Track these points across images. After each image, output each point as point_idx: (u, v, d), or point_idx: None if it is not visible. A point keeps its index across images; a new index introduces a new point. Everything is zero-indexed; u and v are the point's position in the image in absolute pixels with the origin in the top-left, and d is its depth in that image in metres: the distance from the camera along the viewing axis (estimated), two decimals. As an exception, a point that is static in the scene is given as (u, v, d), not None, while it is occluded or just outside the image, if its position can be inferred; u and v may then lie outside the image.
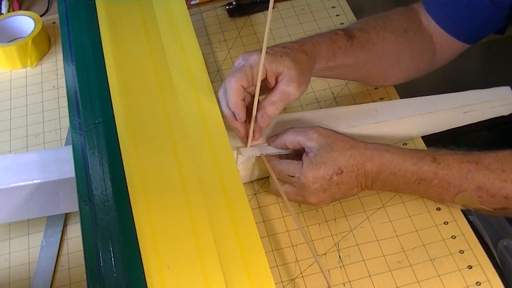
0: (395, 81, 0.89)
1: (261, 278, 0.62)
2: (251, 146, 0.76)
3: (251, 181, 0.81)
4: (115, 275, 0.61)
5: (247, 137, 0.76)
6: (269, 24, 0.68)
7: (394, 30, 0.85)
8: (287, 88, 0.73)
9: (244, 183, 0.73)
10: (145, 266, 0.62)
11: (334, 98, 0.90)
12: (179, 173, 0.70)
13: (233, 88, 0.72)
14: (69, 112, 0.79)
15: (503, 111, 0.84)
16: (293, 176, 0.73)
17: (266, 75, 0.73)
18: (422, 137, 0.84)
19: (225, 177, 0.70)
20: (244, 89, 0.73)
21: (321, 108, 0.89)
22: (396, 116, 0.81)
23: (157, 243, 0.64)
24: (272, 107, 0.73)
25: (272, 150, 0.76)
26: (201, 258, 0.63)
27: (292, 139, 0.75)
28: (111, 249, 0.63)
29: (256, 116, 0.74)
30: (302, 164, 0.72)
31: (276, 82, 0.74)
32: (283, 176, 0.74)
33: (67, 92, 0.81)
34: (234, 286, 0.61)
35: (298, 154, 0.75)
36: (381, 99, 0.89)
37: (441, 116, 0.82)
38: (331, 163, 0.71)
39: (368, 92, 0.90)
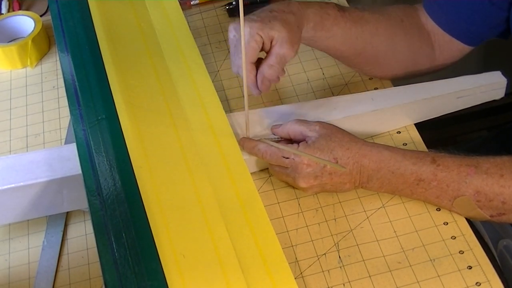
0: (393, 71, 0.89)
1: (276, 262, 0.64)
2: (252, 137, 0.78)
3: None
4: (132, 267, 0.62)
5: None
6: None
7: (390, 17, 0.86)
8: (281, 51, 0.74)
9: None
10: (161, 257, 0.63)
11: (334, 98, 0.90)
12: (186, 164, 0.72)
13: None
14: (69, 105, 0.79)
15: (495, 95, 0.85)
16: (287, 158, 0.73)
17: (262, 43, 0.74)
18: (422, 137, 0.84)
19: (231, 165, 0.72)
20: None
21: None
22: (392, 103, 0.82)
23: (171, 233, 0.65)
24: (270, 70, 0.74)
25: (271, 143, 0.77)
26: (215, 246, 0.64)
27: (295, 129, 0.76)
28: (125, 241, 0.64)
29: (256, 82, 0.75)
30: (298, 146, 0.73)
31: (271, 46, 0.75)
32: (277, 157, 0.75)
33: (65, 83, 0.82)
34: (251, 272, 0.62)
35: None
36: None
37: (436, 102, 0.83)
38: (327, 151, 0.72)
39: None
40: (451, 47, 0.88)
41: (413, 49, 0.87)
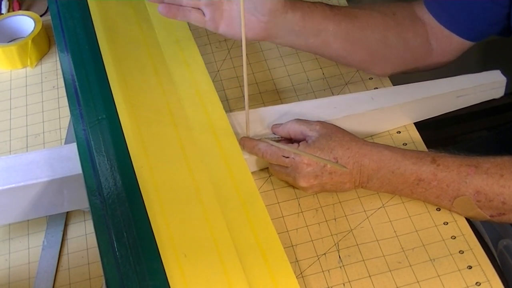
0: (390, 65, 0.88)
1: (277, 261, 0.64)
2: (253, 137, 0.78)
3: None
4: (133, 266, 0.62)
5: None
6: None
7: (381, 11, 0.85)
8: None
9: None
10: (162, 256, 0.63)
11: (334, 98, 0.90)
12: (186, 164, 0.72)
13: None
14: (69, 105, 0.79)
15: (495, 94, 0.86)
16: (287, 157, 0.73)
17: None
18: (422, 136, 0.84)
19: (232, 165, 0.72)
20: None
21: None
22: (392, 102, 0.82)
23: (172, 233, 0.65)
24: None
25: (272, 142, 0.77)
26: (216, 245, 0.64)
27: (295, 128, 0.76)
28: (126, 241, 0.64)
29: None
30: (298, 145, 0.73)
31: None
32: (277, 157, 0.75)
33: (65, 83, 0.82)
34: (252, 271, 0.62)
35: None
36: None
37: (436, 101, 0.83)
38: (328, 151, 0.72)
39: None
40: (450, 42, 0.87)
41: (407, 41, 0.86)
